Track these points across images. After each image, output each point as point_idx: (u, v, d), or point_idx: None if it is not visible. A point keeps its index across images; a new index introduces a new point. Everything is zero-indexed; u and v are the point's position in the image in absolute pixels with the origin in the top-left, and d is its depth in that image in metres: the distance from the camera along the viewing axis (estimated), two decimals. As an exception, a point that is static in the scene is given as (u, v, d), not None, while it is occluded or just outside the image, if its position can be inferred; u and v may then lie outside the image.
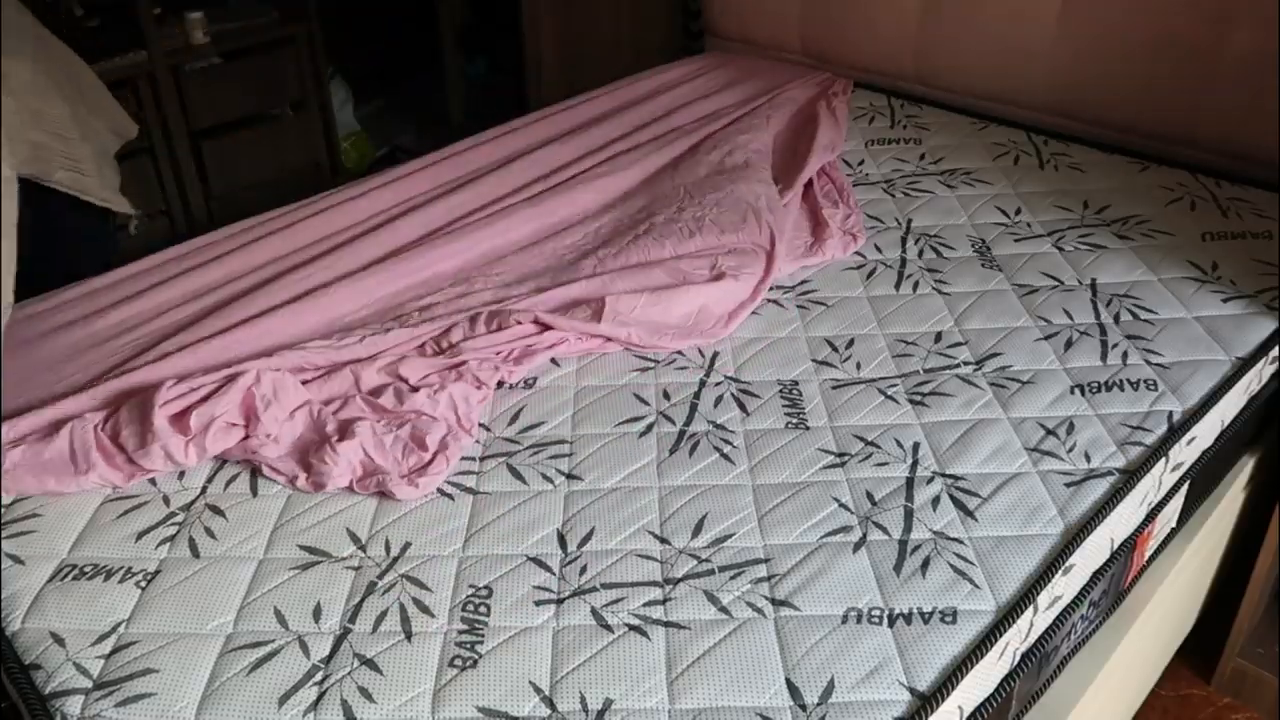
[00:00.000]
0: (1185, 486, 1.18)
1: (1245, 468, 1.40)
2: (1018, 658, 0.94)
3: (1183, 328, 1.33)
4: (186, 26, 2.09)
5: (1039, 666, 0.96)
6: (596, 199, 1.73)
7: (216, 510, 1.07)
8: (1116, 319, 1.35)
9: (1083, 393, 1.21)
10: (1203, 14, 1.71)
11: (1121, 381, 1.22)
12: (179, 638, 0.92)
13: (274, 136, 2.29)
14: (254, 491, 1.10)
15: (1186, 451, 1.16)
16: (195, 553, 1.01)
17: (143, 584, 0.97)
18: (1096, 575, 1.04)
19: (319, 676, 0.88)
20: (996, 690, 0.91)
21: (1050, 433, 1.14)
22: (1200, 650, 1.52)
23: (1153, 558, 1.20)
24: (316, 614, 0.94)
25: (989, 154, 1.89)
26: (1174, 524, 1.22)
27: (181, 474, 1.12)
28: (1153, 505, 1.13)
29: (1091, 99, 1.91)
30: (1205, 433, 1.18)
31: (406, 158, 2.71)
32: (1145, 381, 1.22)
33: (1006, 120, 2.02)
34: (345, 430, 1.12)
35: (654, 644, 0.90)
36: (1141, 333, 1.32)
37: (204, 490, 1.10)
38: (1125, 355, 1.27)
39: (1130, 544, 1.09)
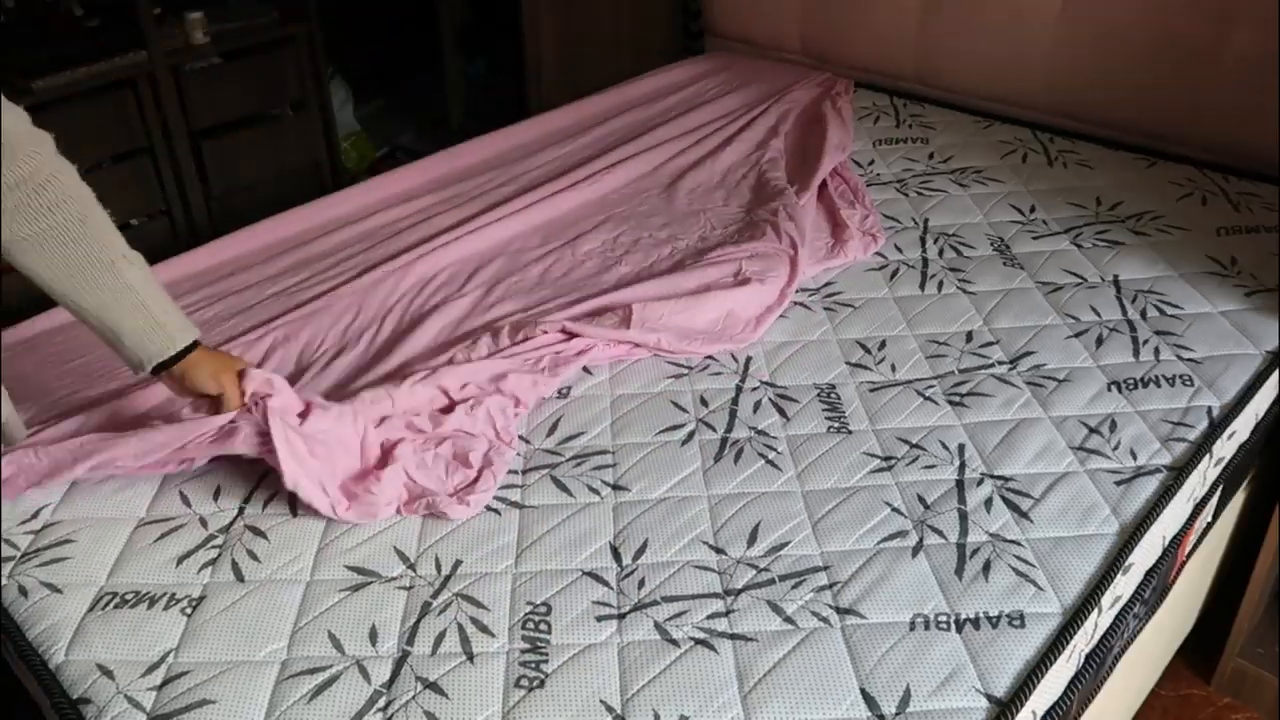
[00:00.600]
0: (1224, 481, 1.20)
1: (1245, 468, 1.41)
2: (1083, 659, 0.94)
3: (1210, 322, 1.34)
4: (186, 26, 2.04)
5: (1098, 667, 0.97)
6: (605, 204, 1.72)
7: (257, 532, 1.04)
8: (1144, 315, 1.36)
9: (1120, 390, 1.21)
10: (1203, 14, 1.73)
11: (1157, 378, 1.23)
12: (232, 666, 0.89)
13: (274, 136, 2.24)
14: (293, 511, 1.06)
15: (1227, 446, 1.17)
16: (239, 576, 0.98)
17: (188, 610, 0.94)
18: (1150, 573, 1.05)
19: (382, 702, 0.85)
20: (1065, 692, 0.91)
21: (1093, 431, 1.15)
22: (1200, 650, 1.52)
23: (1191, 552, 1.21)
24: (372, 637, 0.91)
25: (997, 152, 1.90)
26: (1210, 519, 1.24)
27: (217, 494, 1.08)
28: (1197, 501, 1.14)
29: (1092, 99, 1.93)
30: (1243, 427, 1.20)
31: (407, 158, 2.68)
32: (1180, 377, 1.23)
33: (1009, 119, 2.04)
34: (387, 455, 1.09)
35: (722, 657, 0.89)
36: (1170, 328, 1.33)
37: (241, 511, 1.07)
38: (1157, 351, 1.28)
39: (1176, 540, 1.10)
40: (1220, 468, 1.17)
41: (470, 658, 0.89)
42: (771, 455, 1.13)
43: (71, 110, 1.96)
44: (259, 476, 1.10)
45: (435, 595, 0.96)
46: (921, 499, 1.06)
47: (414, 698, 0.85)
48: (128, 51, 1.95)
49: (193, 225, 2.18)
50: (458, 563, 1.00)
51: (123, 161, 2.04)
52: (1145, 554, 1.02)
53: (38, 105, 1.90)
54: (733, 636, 0.90)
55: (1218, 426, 1.15)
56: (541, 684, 0.86)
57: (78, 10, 1.94)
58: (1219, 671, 1.53)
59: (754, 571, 0.97)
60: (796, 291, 1.45)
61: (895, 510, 1.05)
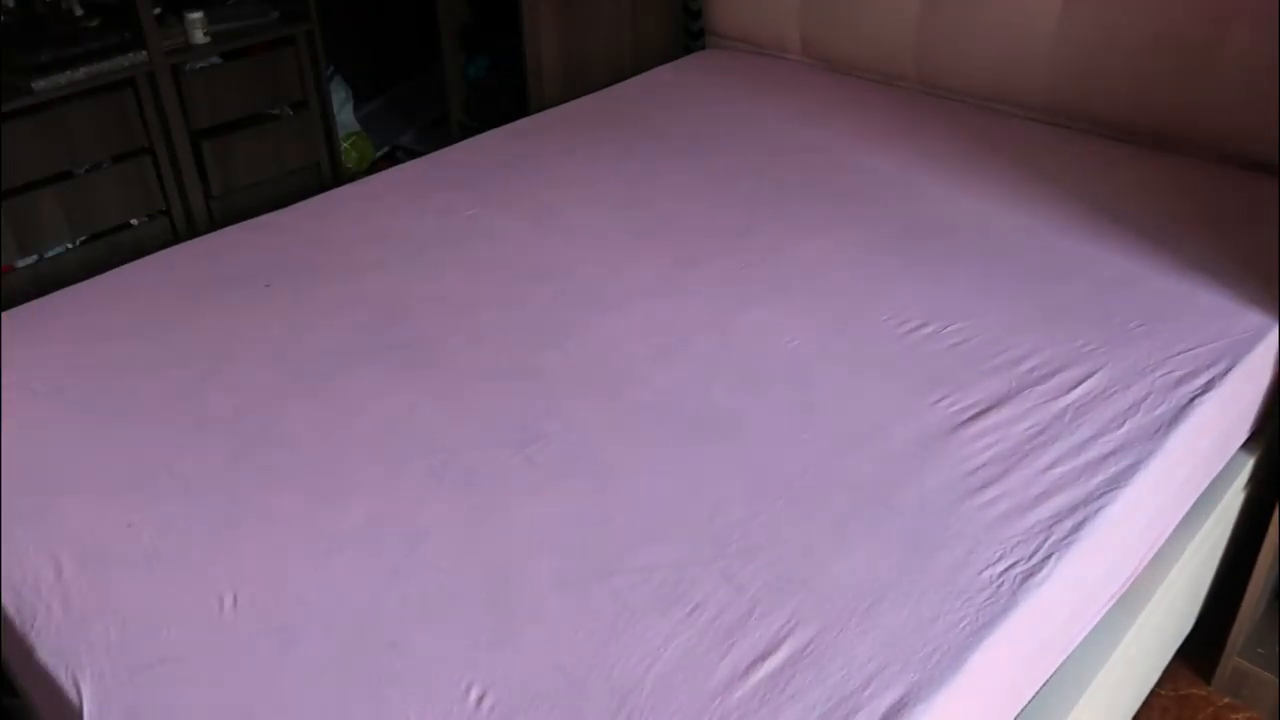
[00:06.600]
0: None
1: (1245, 467, 1.39)
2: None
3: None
4: (186, 26, 2.04)
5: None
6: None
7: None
8: (1143, 313, 1.37)
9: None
10: (1202, 13, 1.74)
11: (1157, 375, 1.23)
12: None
13: (274, 136, 2.24)
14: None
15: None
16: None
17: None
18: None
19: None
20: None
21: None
22: (1200, 650, 1.53)
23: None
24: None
25: (997, 151, 1.90)
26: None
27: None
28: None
29: (1091, 99, 1.94)
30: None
31: (406, 158, 2.68)
32: (1180, 374, 1.23)
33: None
34: None
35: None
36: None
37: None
38: (1158, 349, 1.29)
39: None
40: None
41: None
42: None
43: (71, 110, 1.95)
44: None
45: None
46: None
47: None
48: (128, 51, 1.95)
49: (193, 225, 2.18)
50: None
51: (123, 161, 2.04)
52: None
53: (38, 105, 1.90)
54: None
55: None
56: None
57: (78, 10, 1.94)
58: (1219, 671, 1.53)
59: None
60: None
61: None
